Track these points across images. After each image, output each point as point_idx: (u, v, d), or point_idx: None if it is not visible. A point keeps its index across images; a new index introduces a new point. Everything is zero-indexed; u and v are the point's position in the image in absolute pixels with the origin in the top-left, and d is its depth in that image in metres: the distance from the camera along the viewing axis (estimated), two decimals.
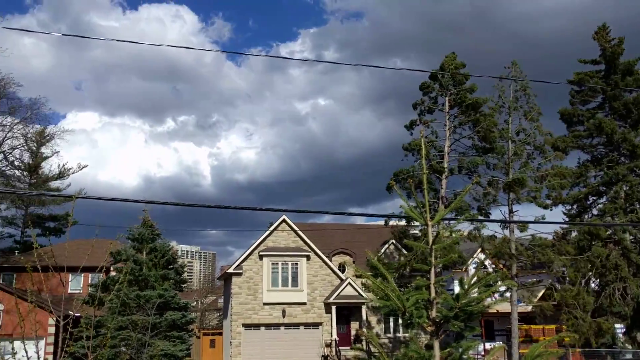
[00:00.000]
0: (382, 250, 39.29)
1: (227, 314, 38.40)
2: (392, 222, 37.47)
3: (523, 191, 33.21)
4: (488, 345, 35.66)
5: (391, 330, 38.40)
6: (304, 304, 36.81)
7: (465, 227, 33.78)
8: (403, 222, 35.83)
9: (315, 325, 36.82)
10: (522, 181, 32.62)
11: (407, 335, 37.55)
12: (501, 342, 36.32)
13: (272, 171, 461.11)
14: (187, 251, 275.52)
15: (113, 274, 29.77)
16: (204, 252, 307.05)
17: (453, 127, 36.68)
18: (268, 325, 36.26)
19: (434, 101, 37.47)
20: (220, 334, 42.50)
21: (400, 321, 38.07)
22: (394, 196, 36.27)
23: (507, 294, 31.85)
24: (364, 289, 36.21)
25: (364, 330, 36.65)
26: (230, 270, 36.78)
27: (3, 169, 42.67)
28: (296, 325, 36.60)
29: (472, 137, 36.34)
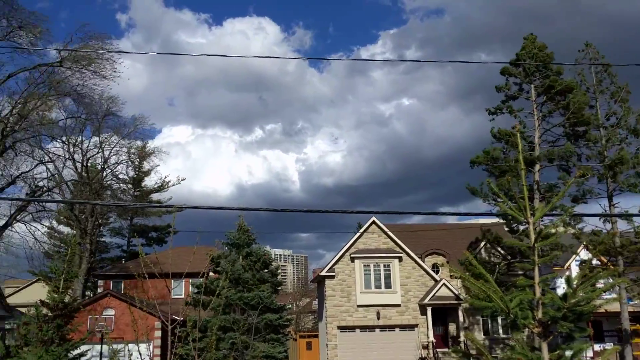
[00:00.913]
0: (477, 250, 38.16)
1: (322, 317, 38.80)
2: (483, 220, 36.29)
3: (625, 174, 30.85)
4: (597, 347, 33.66)
5: (490, 331, 37.19)
6: (398, 305, 36.47)
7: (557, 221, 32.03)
8: (494, 220, 34.63)
9: (411, 327, 36.37)
10: (623, 160, 30.24)
11: (506, 336, 36.26)
12: (612, 344, 34.18)
13: (359, 173, 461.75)
14: (280, 255, 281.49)
15: (213, 277, 30.94)
16: (296, 256, 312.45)
17: (542, 115, 34.71)
18: (363, 328, 36.24)
19: (518, 88, 35.58)
20: (316, 336, 43.00)
21: (499, 322, 36.84)
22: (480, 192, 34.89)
23: (615, 293, 29.89)
24: (461, 289, 35.36)
25: (464, 331, 35.75)
26: (323, 273, 37.13)
27: (110, 182, 45.62)
28: (391, 327, 36.33)
29: (564, 125, 34.09)
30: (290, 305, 64.18)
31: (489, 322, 37.30)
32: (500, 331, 36.95)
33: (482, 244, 38.20)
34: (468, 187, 33.68)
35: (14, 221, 30.77)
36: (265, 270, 32.79)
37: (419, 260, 37.42)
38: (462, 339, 35.40)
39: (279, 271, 38.01)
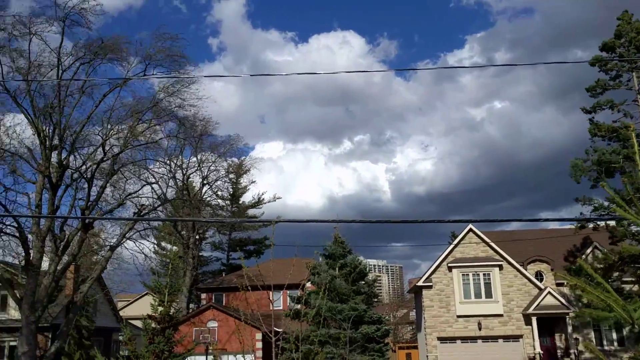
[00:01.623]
0: (585, 256, 35.93)
1: (421, 327, 38.05)
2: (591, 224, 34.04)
3: None
4: None
5: (603, 342, 34.81)
6: (501, 315, 35.04)
7: None
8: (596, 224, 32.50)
9: (515, 337, 34.80)
10: None
11: (621, 348, 33.84)
12: None
13: (451, 181, 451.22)
14: (374, 265, 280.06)
15: (310, 289, 31.27)
16: (390, 266, 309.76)
17: None
18: (464, 339, 35.14)
19: (615, 75, 32.66)
20: (416, 347, 42.24)
21: (613, 334, 34.49)
22: (581, 191, 32.50)
23: None
24: (571, 297, 33.45)
25: (574, 342, 33.70)
26: (420, 283, 36.45)
27: (209, 199, 47.64)
28: (494, 338, 34.96)
29: None
30: (387, 317, 63.61)
31: (603, 332, 34.99)
32: (616, 344, 34.53)
33: (589, 250, 35.97)
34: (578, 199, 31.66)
35: (124, 239, 32.71)
36: (362, 282, 32.69)
37: (520, 268, 35.81)
38: (572, 350, 33.40)
39: (375, 282, 37.78)
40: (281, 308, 38.71)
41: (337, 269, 30.44)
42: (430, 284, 35.93)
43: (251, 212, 57.99)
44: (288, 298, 37.16)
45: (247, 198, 58.20)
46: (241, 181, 56.68)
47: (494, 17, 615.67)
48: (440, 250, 37.38)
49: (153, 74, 31.21)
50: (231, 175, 53.48)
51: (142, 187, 34.20)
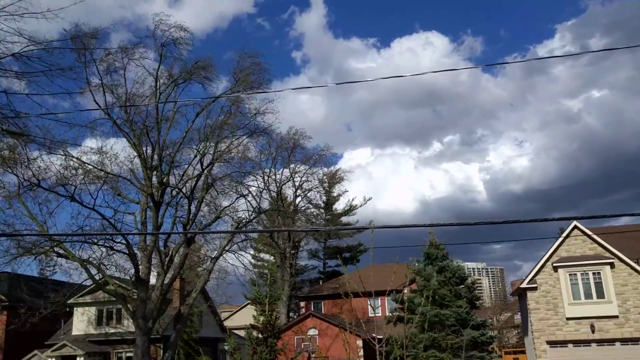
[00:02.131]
0: None
1: (527, 331, 36.34)
2: None
3: None
4: None
5: None
6: (616, 317, 32.70)
7: None
8: None
9: (634, 340, 32.34)
10: None
11: None
12: None
13: (550, 176, 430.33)
14: (473, 268, 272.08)
15: (408, 294, 30.82)
16: (490, 269, 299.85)
17: None
18: (576, 342, 33.10)
19: None
20: (523, 352, 40.44)
21: None
22: None
23: None
24: None
25: None
26: (524, 285, 34.83)
27: (303, 208, 48.41)
28: (610, 342, 32.67)
29: None
30: (491, 320, 61.47)
31: None
32: None
33: None
34: None
35: (224, 252, 33.84)
36: (462, 286, 31.75)
37: (635, 265, 33.31)
38: None
39: (475, 286, 36.61)
40: (380, 314, 38.39)
41: (435, 273, 29.78)
42: (535, 285, 34.24)
43: (344, 219, 58.47)
44: (387, 304, 36.81)
45: (339, 206, 58.89)
46: (334, 190, 57.54)
47: (585, 2, 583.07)
48: (543, 249, 35.59)
49: (240, 92, 32.11)
50: (324, 184, 54.31)
51: (236, 200, 35.30)
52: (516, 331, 59.57)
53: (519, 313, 44.02)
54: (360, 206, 57.43)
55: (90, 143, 31.56)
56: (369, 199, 58.02)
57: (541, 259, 34.77)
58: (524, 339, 40.00)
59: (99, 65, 29.50)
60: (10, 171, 25.41)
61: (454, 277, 30.64)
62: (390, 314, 30.81)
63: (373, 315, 35.41)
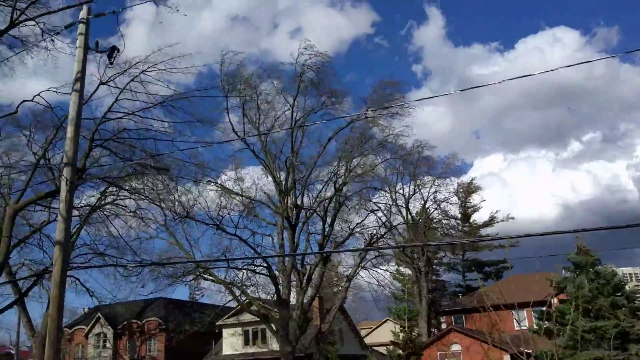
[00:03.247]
0: None
1: None
2: None
3: None
4: None
5: None
6: None
7: None
8: None
9: None
10: None
11: None
12: None
13: None
14: (630, 274, 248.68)
15: (556, 305, 28.74)
16: None
17: None
18: None
19: None
20: None
21: None
22: None
23: None
24: None
25: None
26: None
27: (436, 220, 47.37)
28: None
29: None
30: None
31: None
32: None
33: None
34: None
35: (359, 269, 34.07)
36: (619, 294, 28.98)
37: None
38: None
39: (638, 295, 33.31)
40: (526, 328, 36.19)
41: (587, 281, 27.51)
42: None
43: (484, 231, 56.25)
44: (533, 316, 34.67)
45: (478, 217, 56.87)
46: (470, 200, 55.68)
47: None
48: None
49: (368, 109, 32.42)
50: (458, 195, 52.82)
51: (366, 216, 35.45)
52: None
53: None
54: (502, 220, 54.95)
55: (229, 172, 33.67)
56: (512, 218, 55.01)
57: None
58: None
59: (237, 98, 31.52)
60: (161, 206, 27.65)
61: (609, 285, 28.06)
62: (537, 327, 28.89)
63: (519, 328, 33.57)
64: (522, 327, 36.08)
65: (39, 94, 14.31)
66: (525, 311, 37.45)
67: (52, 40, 13.19)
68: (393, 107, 31.71)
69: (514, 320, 33.91)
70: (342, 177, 32.99)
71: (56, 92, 14.96)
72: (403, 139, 34.30)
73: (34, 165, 21.62)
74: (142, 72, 19.65)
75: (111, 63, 13.27)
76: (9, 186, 27.04)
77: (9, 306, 28.76)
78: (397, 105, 31.62)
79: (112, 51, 12.74)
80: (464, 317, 45.67)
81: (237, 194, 32.03)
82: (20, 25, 14.55)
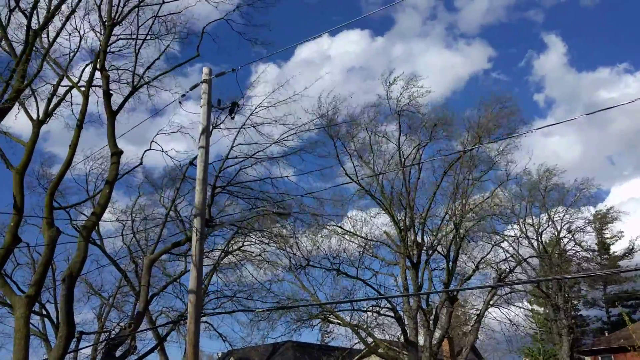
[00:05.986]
0: None
1: None
2: None
3: None
4: None
5: None
6: None
7: None
8: None
9: None
10: None
11: None
12: None
13: None
14: None
15: None
16: None
17: None
18: None
19: None
20: None
21: None
22: None
23: None
24: None
25: None
26: None
27: (570, 252, 44.17)
28: None
29: None
30: None
31: None
32: None
33: None
34: None
35: (488, 306, 32.46)
36: None
37: None
38: None
39: None
40: None
41: None
42: None
43: (623, 263, 51.63)
44: None
45: (619, 246, 52.43)
46: (606, 230, 51.51)
47: None
48: None
49: (489, 140, 31.51)
50: (595, 225, 49.02)
51: (491, 249, 33.88)
52: None
53: None
54: None
55: (347, 214, 33.98)
56: None
57: None
58: None
59: (349, 144, 32.00)
60: (286, 251, 28.35)
61: None
62: None
63: None
64: None
65: (165, 152, 15.60)
66: None
67: (180, 102, 14.26)
68: (515, 135, 30.48)
69: None
70: (461, 211, 32.00)
71: (186, 153, 16.52)
72: (527, 169, 32.74)
73: (164, 218, 23.24)
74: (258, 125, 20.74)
75: (232, 118, 14.21)
76: (146, 239, 29.22)
77: (150, 351, 30.56)
78: (519, 135, 30.40)
79: (233, 107, 13.74)
80: (612, 356, 41.92)
81: (356, 234, 32.16)
82: (140, 89, 16.15)
